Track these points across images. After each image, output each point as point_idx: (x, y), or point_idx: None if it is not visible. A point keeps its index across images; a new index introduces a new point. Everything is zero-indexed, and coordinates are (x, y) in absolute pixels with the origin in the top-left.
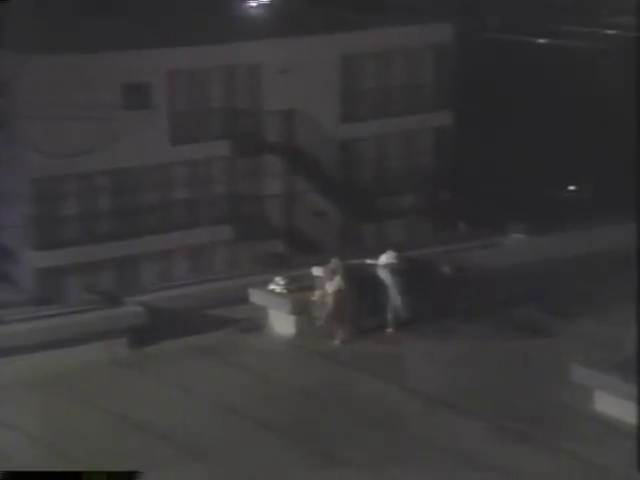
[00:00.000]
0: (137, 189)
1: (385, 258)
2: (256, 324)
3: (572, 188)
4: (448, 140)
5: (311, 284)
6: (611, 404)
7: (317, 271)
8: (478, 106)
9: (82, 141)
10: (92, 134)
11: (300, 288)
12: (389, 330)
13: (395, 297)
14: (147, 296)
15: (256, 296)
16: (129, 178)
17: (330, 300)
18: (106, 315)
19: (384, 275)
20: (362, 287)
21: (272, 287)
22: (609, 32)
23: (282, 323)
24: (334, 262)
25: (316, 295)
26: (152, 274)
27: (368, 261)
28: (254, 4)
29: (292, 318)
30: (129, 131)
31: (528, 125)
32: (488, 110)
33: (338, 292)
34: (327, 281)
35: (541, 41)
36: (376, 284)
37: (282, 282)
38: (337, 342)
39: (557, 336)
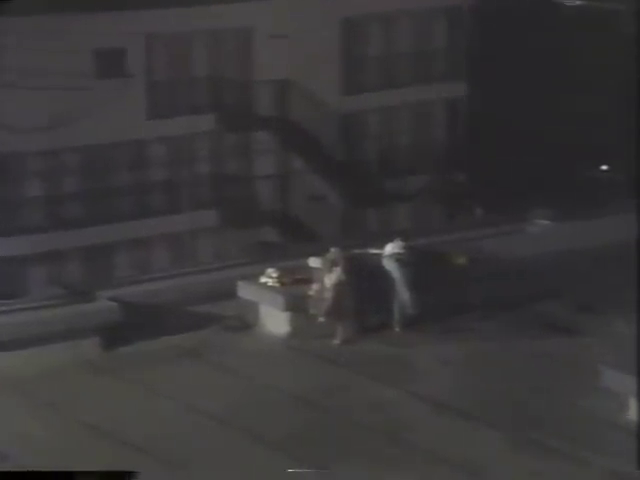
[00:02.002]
0: (109, 168)
1: (391, 248)
2: (245, 322)
3: (604, 168)
4: (462, 114)
5: (308, 277)
6: None
7: (314, 262)
8: (496, 75)
9: (47, 114)
10: (58, 106)
11: (295, 281)
12: (395, 329)
13: (402, 292)
14: (122, 290)
15: (245, 290)
16: (100, 156)
17: (329, 295)
18: (75, 311)
19: (390, 267)
20: (365, 280)
21: (263, 280)
22: None
23: (275, 321)
24: (333, 252)
25: (313, 289)
26: (127, 265)
27: (372, 251)
28: None
29: (286, 315)
30: (101, 103)
31: (553, 96)
32: (507, 79)
33: (338, 286)
34: (326, 273)
35: (568, 2)
36: (381, 277)
37: (275, 274)
38: (336, 342)
39: (585, 336)
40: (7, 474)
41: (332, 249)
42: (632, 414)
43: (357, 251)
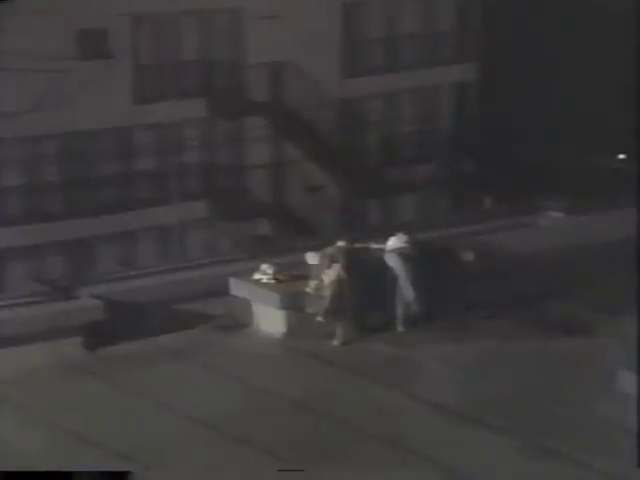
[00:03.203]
0: (92, 157)
1: (394, 242)
2: (238, 321)
3: (621, 157)
4: (471, 99)
5: (305, 273)
6: None
7: (312, 257)
8: (507, 58)
9: (26, 98)
10: (39, 90)
11: (291, 278)
12: (398, 328)
13: (405, 289)
14: (105, 287)
15: (238, 287)
16: (83, 143)
17: (327, 292)
18: (56, 310)
19: (393, 262)
20: (366, 277)
21: (257, 277)
22: None
23: (269, 320)
24: (333, 247)
25: (311, 286)
26: (111, 260)
27: (374, 245)
28: None
29: (282, 314)
30: (83, 87)
31: (567, 80)
32: (519, 62)
33: (337, 283)
34: (324, 269)
35: None
36: (383, 273)
37: (269, 270)
38: (336, 343)
39: (600, 336)
40: (6, 474)
41: (331, 243)
42: None
43: (358, 246)
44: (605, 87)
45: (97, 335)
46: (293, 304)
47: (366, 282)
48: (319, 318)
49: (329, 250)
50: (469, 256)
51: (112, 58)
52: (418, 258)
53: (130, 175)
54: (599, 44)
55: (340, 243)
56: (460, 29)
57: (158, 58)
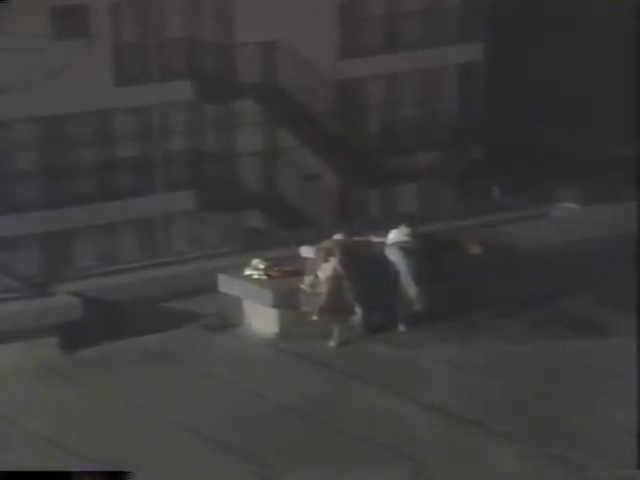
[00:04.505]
0: (70, 143)
1: (396, 235)
2: (227, 321)
3: None
4: (477, 81)
5: (299, 268)
6: None
7: (307, 251)
8: (516, 36)
9: None
10: (12, 71)
11: (285, 273)
12: (400, 328)
13: (408, 285)
14: (83, 283)
15: (227, 284)
16: (60, 128)
17: (324, 289)
18: (29, 308)
19: (394, 257)
20: (365, 272)
21: (248, 272)
22: None
23: (261, 319)
24: (329, 240)
25: (305, 283)
26: (90, 255)
27: (373, 239)
28: None
29: (274, 313)
30: (60, 68)
31: (581, 61)
32: (529, 41)
33: (334, 279)
34: (320, 264)
35: None
36: (383, 268)
37: (261, 266)
38: (332, 344)
39: (620, 336)
40: (6, 474)
41: (327, 236)
42: None
43: (356, 239)
44: (625, 68)
45: (74, 335)
46: (287, 302)
47: (365, 278)
48: (314, 317)
49: (325, 244)
50: (476, 250)
51: (92, 37)
52: (421, 252)
53: (111, 162)
54: (617, 24)
55: (337, 236)
56: (465, 6)
57: (141, 36)
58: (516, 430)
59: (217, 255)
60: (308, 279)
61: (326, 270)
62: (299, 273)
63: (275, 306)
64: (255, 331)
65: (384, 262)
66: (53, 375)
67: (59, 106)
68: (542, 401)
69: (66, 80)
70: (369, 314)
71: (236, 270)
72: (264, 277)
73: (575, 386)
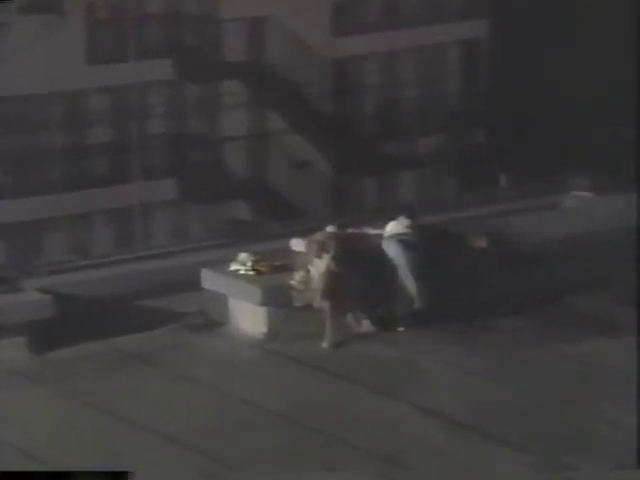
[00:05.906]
0: (38, 126)
1: (394, 227)
2: (211, 319)
3: None
4: (482, 60)
5: (289, 263)
6: None
7: (298, 245)
8: (525, 11)
9: None
10: None
11: (274, 269)
12: (398, 328)
13: (407, 281)
14: (55, 279)
15: (212, 280)
16: (27, 110)
17: (316, 285)
18: None
19: (392, 250)
20: (361, 268)
21: (234, 267)
22: None
23: (249, 318)
24: (322, 232)
25: (297, 278)
26: (62, 248)
27: (370, 231)
28: None
29: (263, 311)
30: (28, 45)
31: (594, 37)
32: (539, 17)
33: (327, 274)
34: (312, 259)
35: None
36: (381, 263)
37: (248, 260)
38: (325, 345)
39: (636, 336)
40: (4, 474)
41: (320, 229)
42: None
43: (351, 231)
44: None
45: (44, 335)
46: (276, 299)
47: (361, 274)
48: (305, 316)
49: (318, 236)
50: (481, 243)
51: (60, 13)
52: (422, 246)
53: (83, 147)
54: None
55: (330, 228)
56: None
57: (116, 10)
58: (521, 436)
59: (200, 249)
60: (299, 275)
61: (319, 266)
62: (289, 268)
63: (263, 304)
64: (242, 331)
65: (381, 256)
66: (21, 379)
67: (26, 85)
68: (551, 405)
69: (34, 58)
70: (365, 313)
71: (221, 265)
72: (251, 272)
73: (586, 389)
